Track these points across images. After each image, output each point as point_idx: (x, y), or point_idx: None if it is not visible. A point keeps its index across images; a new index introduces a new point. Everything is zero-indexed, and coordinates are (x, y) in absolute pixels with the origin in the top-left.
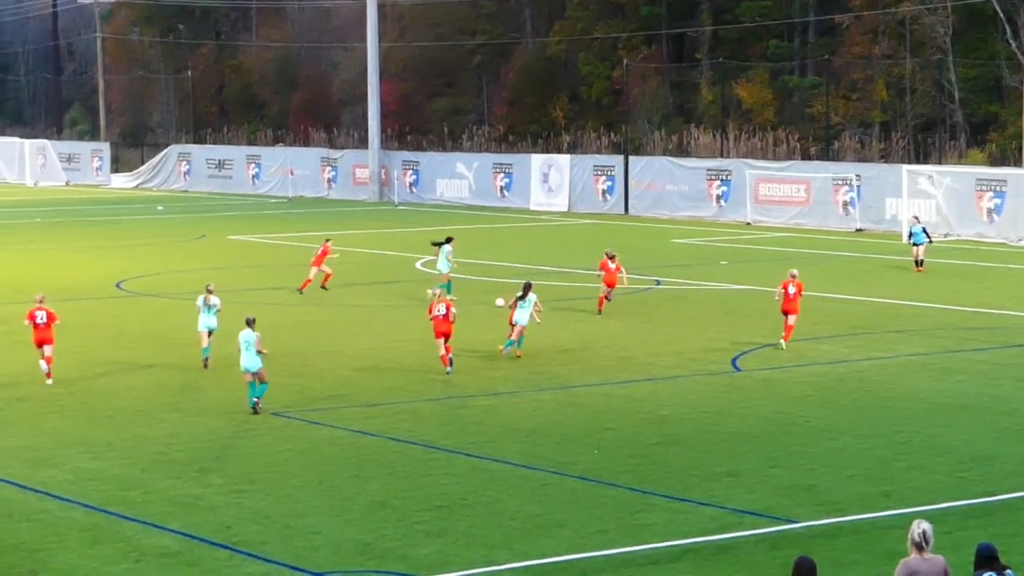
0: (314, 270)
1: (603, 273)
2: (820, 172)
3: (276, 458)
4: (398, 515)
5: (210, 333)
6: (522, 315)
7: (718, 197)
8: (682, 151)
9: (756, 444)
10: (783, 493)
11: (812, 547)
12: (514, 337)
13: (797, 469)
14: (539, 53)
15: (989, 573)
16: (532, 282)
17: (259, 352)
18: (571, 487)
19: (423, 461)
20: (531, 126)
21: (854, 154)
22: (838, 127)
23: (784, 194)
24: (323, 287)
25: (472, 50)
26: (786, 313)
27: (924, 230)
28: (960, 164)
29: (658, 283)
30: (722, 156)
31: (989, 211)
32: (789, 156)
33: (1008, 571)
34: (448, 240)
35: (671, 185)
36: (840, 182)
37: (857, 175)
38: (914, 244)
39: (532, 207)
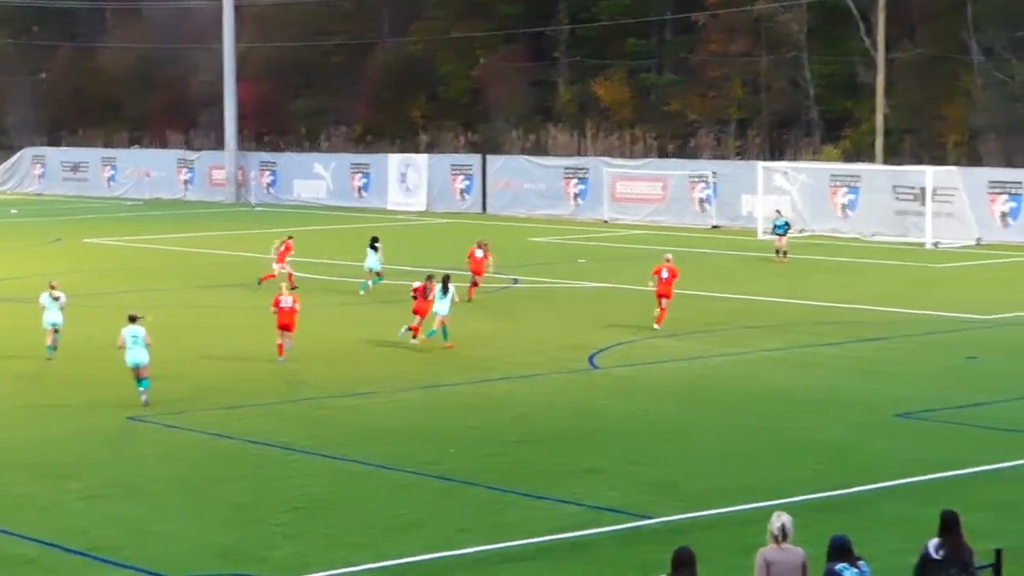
0: (276, 267)
1: (469, 261)
2: (677, 170)
3: (134, 462)
4: (257, 518)
5: (56, 330)
6: (442, 306)
7: (575, 195)
8: (540, 150)
9: (615, 441)
10: (643, 489)
11: (671, 542)
12: (436, 327)
13: (656, 465)
14: (397, 53)
15: (842, 564)
16: (449, 274)
17: (147, 345)
18: (432, 487)
19: (283, 463)
20: (389, 126)
21: (710, 151)
22: (695, 125)
23: (641, 192)
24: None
25: (330, 50)
26: (660, 297)
27: (787, 223)
28: (815, 160)
29: (516, 281)
30: (580, 154)
31: (843, 207)
32: (646, 154)
33: (861, 562)
34: (374, 240)
35: (529, 184)
36: (697, 179)
37: (713, 172)
38: (778, 235)
39: (390, 207)
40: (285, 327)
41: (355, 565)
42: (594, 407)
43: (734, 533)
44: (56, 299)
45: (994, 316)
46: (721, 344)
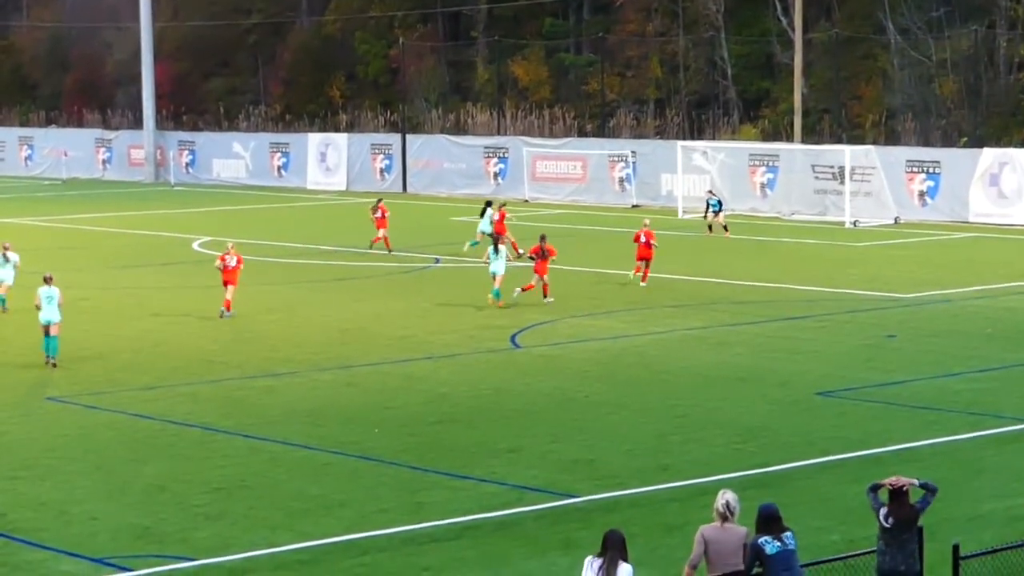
0: (381, 231)
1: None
2: (596, 149)
3: (52, 443)
4: (177, 499)
5: (6, 287)
6: (498, 266)
7: (495, 175)
8: (459, 129)
9: (536, 420)
10: (564, 468)
11: (591, 521)
12: (497, 285)
13: (577, 444)
14: (315, 32)
15: (764, 538)
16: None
17: (59, 305)
18: (352, 467)
19: (202, 444)
20: (308, 105)
21: (630, 131)
22: (613, 104)
23: (561, 171)
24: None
25: (248, 29)
26: (641, 259)
27: (720, 200)
28: (733, 140)
29: (437, 261)
30: (499, 134)
31: (762, 186)
32: (566, 133)
33: (787, 534)
34: (488, 204)
35: (449, 163)
36: (616, 159)
37: (633, 152)
38: (713, 212)
39: (310, 186)
40: (228, 283)
41: (277, 546)
42: (515, 387)
43: (656, 511)
44: (8, 260)
45: (912, 295)
46: (642, 323)
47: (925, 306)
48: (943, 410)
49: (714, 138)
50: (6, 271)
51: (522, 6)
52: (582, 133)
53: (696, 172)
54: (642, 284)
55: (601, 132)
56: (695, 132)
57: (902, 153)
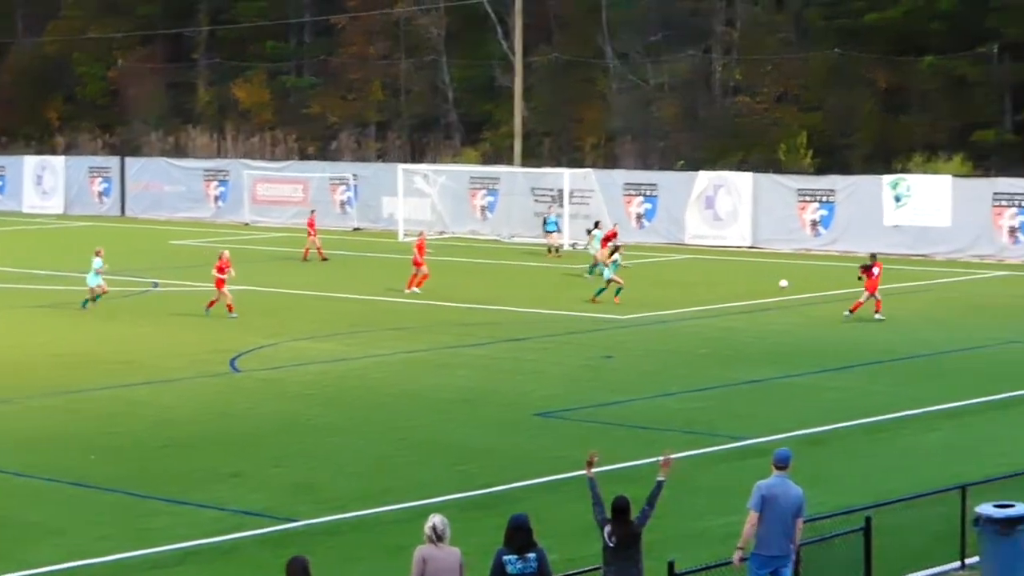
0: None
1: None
2: (318, 172)
3: None
4: None
5: None
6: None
7: (216, 198)
8: (180, 152)
9: (259, 444)
10: (286, 492)
11: (315, 545)
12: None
13: (300, 468)
14: (33, 53)
15: (509, 556)
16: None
17: None
18: (69, 494)
19: None
20: (25, 127)
21: (351, 154)
22: (335, 127)
23: (282, 194)
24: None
25: None
26: (416, 265)
27: (556, 220)
28: (455, 163)
29: (156, 285)
30: (220, 156)
31: (483, 208)
32: (287, 156)
33: (532, 554)
34: (596, 224)
35: (169, 186)
36: (338, 182)
37: (354, 174)
38: (548, 232)
39: (26, 209)
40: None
41: None
42: (236, 410)
43: (379, 534)
44: None
45: (630, 316)
46: (364, 346)
47: (643, 327)
48: (661, 429)
49: (436, 161)
50: None
51: (244, 28)
52: (304, 156)
53: (417, 195)
54: (415, 290)
55: (323, 155)
56: (417, 155)
57: (620, 176)
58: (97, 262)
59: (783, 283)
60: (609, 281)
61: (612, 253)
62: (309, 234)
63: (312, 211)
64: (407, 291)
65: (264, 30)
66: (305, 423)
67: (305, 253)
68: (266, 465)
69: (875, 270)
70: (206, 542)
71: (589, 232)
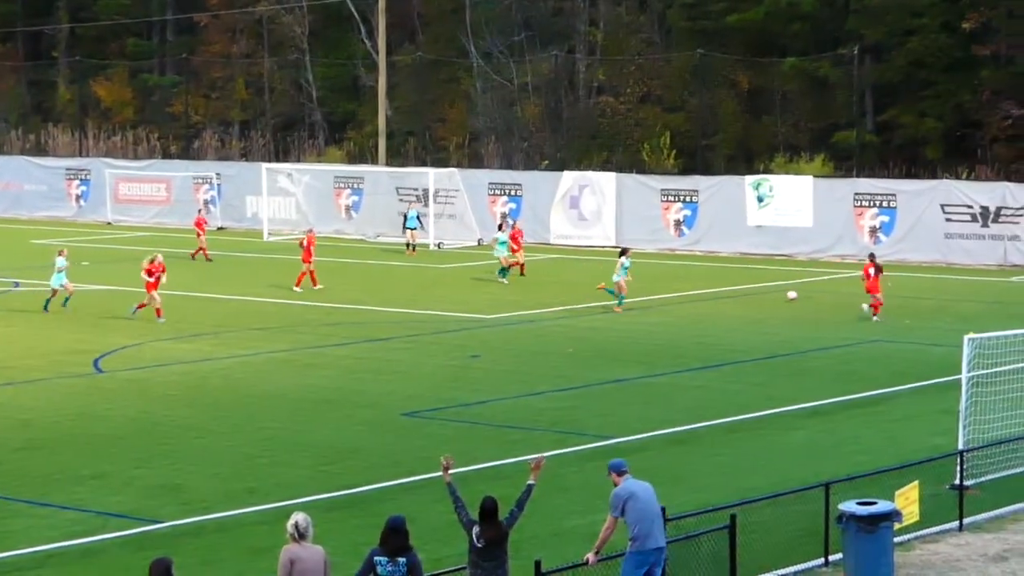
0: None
1: None
2: (181, 171)
3: None
4: None
5: None
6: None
7: (78, 197)
8: (40, 150)
9: (121, 445)
10: (149, 493)
11: (179, 546)
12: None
13: (163, 469)
14: None
15: (383, 557)
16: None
17: None
18: None
19: None
20: None
21: (215, 153)
22: (199, 126)
23: (145, 193)
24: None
25: None
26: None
27: (417, 216)
28: (319, 162)
29: (17, 285)
30: (81, 155)
31: (348, 208)
32: (150, 155)
33: (403, 559)
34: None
35: (29, 185)
36: (201, 180)
37: (218, 174)
38: (410, 229)
39: None
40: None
41: None
42: (98, 411)
43: (243, 535)
44: None
45: (495, 316)
46: (228, 346)
47: (509, 326)
48: (528, 428)
49: (300, 160)
50: None
51: (105, 26)
52: (167, 155)
53: (281, 194)
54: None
55: (186, 154)
56: (281, 154)
57: (485, 176)
58: (60, 261)
59: (791, 294)
60: (616, 284)
61: (622, 255)
62: (198, 234)
63: (199, 210)
64: (296, 288)
65: (126, 28)
66: (169, 424)
67: (194, 253)
68: (129, 466)
69: (871, 270)
70: (67, 544)
71: (500, 226)
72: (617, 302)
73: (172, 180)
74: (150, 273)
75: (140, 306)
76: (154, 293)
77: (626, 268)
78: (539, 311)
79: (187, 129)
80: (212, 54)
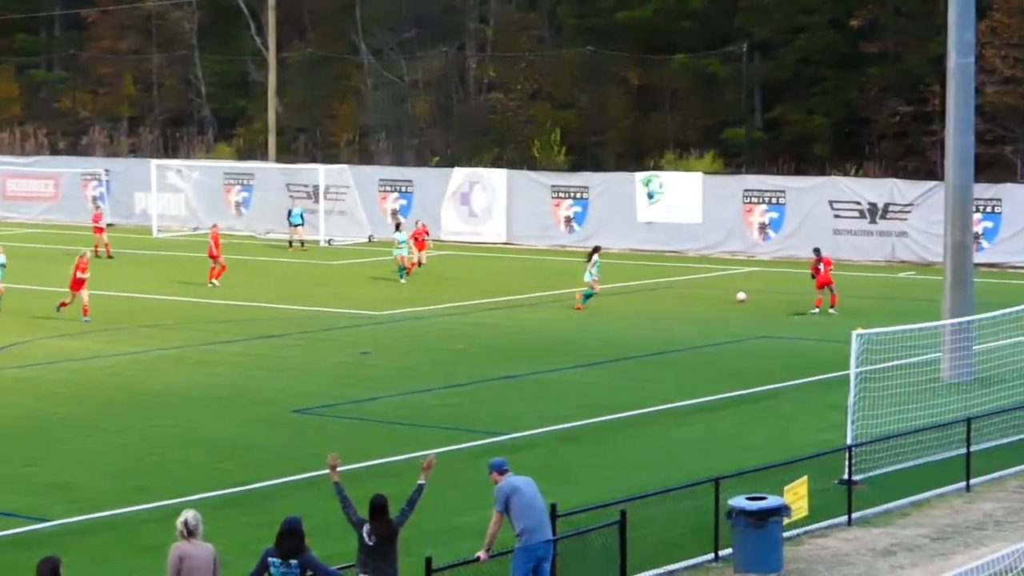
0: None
1: None
2: (69, 167)
3: None
4: None
5: None
6: (587, 274)
7: None
8: None
9: (10, 443)
10: (38, 492)
11: (67, 544)
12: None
13: (53, 467)
14: None
15: (276, 559)
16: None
17: None
18: None
19: None
20: None
21: (103, 149)
22: (87, 122)
23: (32, 190)
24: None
25: None
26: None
27: (301, 213)
28: (209, 158)
29: None
30: None
31: (238, 204)
32: (37, 151)
33: (295, 561)
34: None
35: None
36: (89, 177)
37: (106, 170)
38: (294, 225)
39: None
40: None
41: None
42: None
43: (133, 533)
44: None
45: (385, 312)
46: (118, 343)
47: (399, 323)
48: (418, 425)
49: (189, 156)
50: None
51: None
52: (54, 151)
53: (171, 190)
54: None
55: (74, 150)
56: (170, 150)
57: (375, 172)
58: None
59: (741, 295)
60: (588, 284)
61: (593, 253)
62: (96, 231)
63: (98, 208)
64: (209, 284)
65: (13, 23)
66: (58, 422)
67: (96, 250)
68: (17, 464)
69: (821, 266)
70: None
71: (397, 227)
72: (583, 301)
73: (60, 176)
74: (83, 270)
75: (62, 304)
76: (82, 292)
77: (598, 266)
78: (430, 308)
79: (75, 125)
80: (101, 50)
